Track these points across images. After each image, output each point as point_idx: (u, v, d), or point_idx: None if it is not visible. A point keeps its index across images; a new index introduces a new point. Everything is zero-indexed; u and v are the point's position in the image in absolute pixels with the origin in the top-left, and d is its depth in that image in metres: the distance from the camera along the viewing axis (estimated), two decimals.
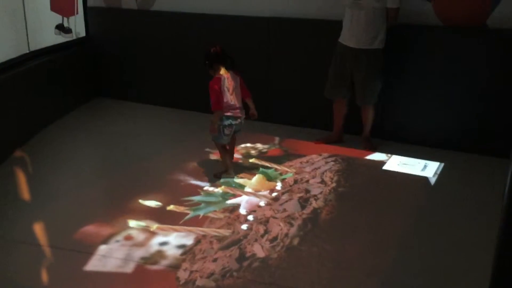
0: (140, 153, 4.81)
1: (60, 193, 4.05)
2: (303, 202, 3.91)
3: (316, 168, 4.49)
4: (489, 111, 4.63)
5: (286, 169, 4.47)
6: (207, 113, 5.78)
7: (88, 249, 3.31)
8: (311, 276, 3.10)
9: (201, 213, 3.76)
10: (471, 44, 4.62)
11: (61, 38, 5.77)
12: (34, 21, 5.26)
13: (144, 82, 6.07)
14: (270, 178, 4.29)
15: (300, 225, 3.62)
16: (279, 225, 3.61)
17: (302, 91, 5.32)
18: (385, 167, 4.56)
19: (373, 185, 4.32)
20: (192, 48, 5.66)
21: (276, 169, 4.45)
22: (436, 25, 4.72)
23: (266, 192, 4.07)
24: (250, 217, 3.71)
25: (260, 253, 3.30)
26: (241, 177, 4.29)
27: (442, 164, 4.57)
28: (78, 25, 5.96)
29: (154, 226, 3.58)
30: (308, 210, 3.81)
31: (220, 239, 3.46)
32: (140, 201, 3.91)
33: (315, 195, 4.02)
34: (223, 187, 4.13)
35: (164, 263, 3.20)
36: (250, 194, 4.04)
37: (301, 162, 4.60)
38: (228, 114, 4.16)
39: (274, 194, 4.04)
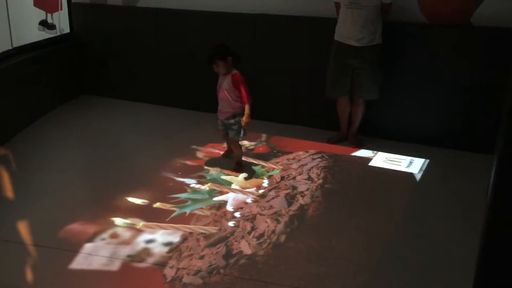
0: (126, 150, 4.78)
1: (44, 191, 4.00)
2: (290, 199, 3.92)
3: (303, 165, 4.50)
4: (473, 107, 4.68)
5: (273, 166, 4.47)
6: (193, 110, 5.81)
7: (73, 247, 3.28)
8: (298, 272, 3.11)
9: (187, 210, 3.75)
10: (455, 42, 4.65)
11: (45, 35, 5.70)
12: (17, 17, 5.19)
13: (129, 79, 6.03)
14: (257, 175, 4.29)
15: (287, 222, 3.63)
16: (266, 222, 3.61)
17: (289, 89, 5.32)
18: (371, 164, 4.58)
19: (359, 181, 4.35)
20: (178, 45, 5.64)
21: (263, 166, 4.45)
22: (421, 22, 4.76)
23: (253, 189, 4.07)
24: (237, 214, 3.71)
25: (247, 250, 3.30)
26: (228, 174, 4.28)
27: (427, 161, 4.61)
28: (62, 21, 5.89)
29: (140, 223, 3.56)
30: (295, 206, 3.82)
31: (207, 236, 3.45)
32: (126, 198, 3.89)
33: (301, 192, 4.03)
34: (209, 184, 4.12)
35: (150, 260, 3.19)
36: (237, 191, 4.04)
37: (287, 159, 4.60)
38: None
39: (261, 191, 4.04)
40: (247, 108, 4.11)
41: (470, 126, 4.73)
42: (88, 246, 3.30)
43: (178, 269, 3.11)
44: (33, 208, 3.75)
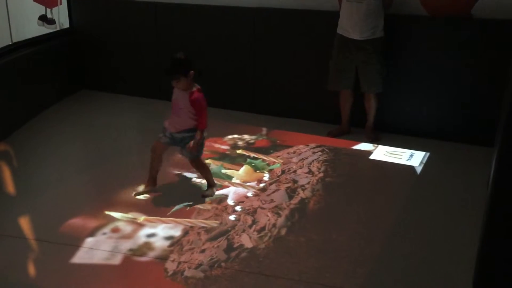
0: (126, 145, 4.78)
1: (45, 186, 4.01)
2: (291, 193, 3.92)
3: (304, 158, 4.50)
4: (474, 100, 4.67)
5: (274, 159, 4.47)
6: None
7: (75, 242, 3.29)
8: (298, 265, 3.11)
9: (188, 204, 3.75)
10: (455, 34, 4.64)
11: (44, 29, 5.68)
12: (16, 12, 5.18)
13: (129, 73, 6.02)
14: (257, 169, 4.30)
15: (287, 215, 3.63)
16: (267, 215, 3.62)
17: (289, 82, 5.32)
18: (371, 157, 4.58)
19: (360, 174, 4.35)
20: (178, 39, 5.62)
21: (263, 160, 4.46)
22: (421, 15, 4.74)
23: (253, 183, 4.07)
24: (238, 208, 3.71)
25: (248, 244, 3.31)
26: (229, 168, 4.29)
27: (428, 154, 4.61)
28: (61, 16, 5.87)
29: (141, 218, 3.57)
30: (295, 200, 3.82)
31: (208, 230, 3.46)
32: (127, 193, 3.89)
33: (302, 185, 4.03)
34: None
35: (152, 254, 3.20)
36: (237, 185, 4.04)
37: (288, 153, 4.60)
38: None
39: (261, 185, 4.04)
40: (199, 133, 3.64)
41: (470, 119, 4.73)
42: (89, 241, 3.31)
43: (179, 263, 3.12)
44: (34, 203, 3.76)
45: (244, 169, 4.28)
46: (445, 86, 4.75)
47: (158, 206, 3.72)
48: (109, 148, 4.70)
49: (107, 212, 3.62)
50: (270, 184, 4.05)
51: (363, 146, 4.79)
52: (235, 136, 4.95)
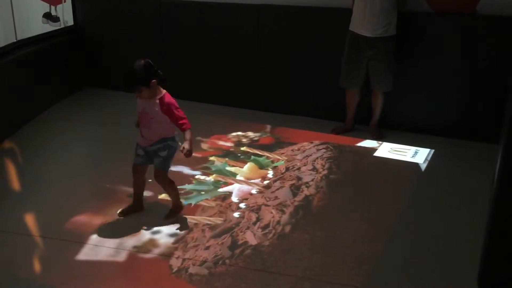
0: (131, 142, 4.76)
1: (51, 183, 4.02)
2: (295, 190, 3.92)
3: (308, 155, 4.50)
4: (478, 97, 4.66)
5: (278, 157, 4.47)
6: (197, 102, 5.81)
7: (80, 239, 3.30)
8: (303, 263, 3.12)
9: (193, 201, 3.76)
10: (460, 31, 4.62)
11: (49, 27, 5.69)
12: (21, 10, 5.19)
13: None
14: (261, 166, 4.30)
15: (292, 212, 3.63)
16: (271, 212, 3.62)
17: (294, 79, 5.31)
18: (376, 154, 4.57)
19: (364, 172, 4.34)
20: (182, 36, 5.62)
21: (267, 157, 4.46)
22: (426, 11, 4.72)
23: (257, 180, 4.07)
24: (242, 205, 3.72)
25: (252, 241, 3.31)
26: (233, 165, 4.29)
27: (433, 151, 4.60)
28: (66, 14, 5.88)
29: None
30: (299, 197, 3.83)
31: (212, 227, 3.46)
32: (131, 190, 3.89)
33: (306, 183, 4.03)
34: (214, 175, 4.13)
35: (156, 251, 3.21)
36: (241, 182, 4.05)
37: (292, 150, 4.60)
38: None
39: (265, 182, 4.04)
40: (188, 133, 3.31)
41: (475, 116, 4.71)
42: (94, 237, 3.33)
43: (183, 259, 3.13)
44: (39, 200, 3.77)
45: (248, 166, 4.28)
46: (449, 82, 4.73)
47: (162, 203, 3.73)
48: (114, 145, 4.71)
49: (113, 209, 3.62)
50: (274, 181, 4.06)
51: (367, 143, 4.78)
52: (239, 133, 4.95)
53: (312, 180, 4.07)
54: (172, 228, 3.43)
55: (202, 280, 2.97)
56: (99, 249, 3.22)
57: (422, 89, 4.85)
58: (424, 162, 4.42)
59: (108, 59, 6.06)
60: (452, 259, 3.17)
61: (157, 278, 3.00)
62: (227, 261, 3.12)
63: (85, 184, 4.08)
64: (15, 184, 4.03)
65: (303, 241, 3.34)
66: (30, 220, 3.54)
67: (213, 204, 3.74)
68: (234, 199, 3.81)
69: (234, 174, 4.16)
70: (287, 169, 4.25)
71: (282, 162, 4.37)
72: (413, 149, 4.65)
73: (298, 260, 3.14)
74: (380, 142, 4.78)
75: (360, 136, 4.89)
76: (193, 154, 4.27)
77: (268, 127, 5.12)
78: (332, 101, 5.09)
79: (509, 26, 4.43)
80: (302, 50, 5.18)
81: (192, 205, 3.72)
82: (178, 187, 3.92)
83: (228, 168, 4.24)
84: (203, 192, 3.87)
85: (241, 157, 4.44)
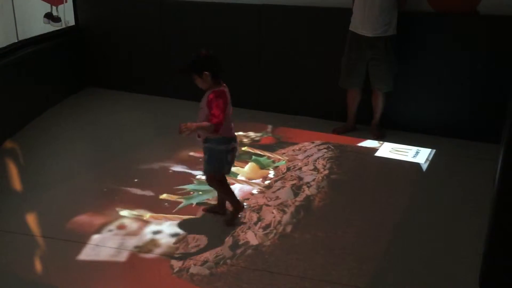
0: (132, 142, 4.79)
1: (51, 183, 4.02)
2: (296, 190, 3.92)
3: (309, 155, 4.50)
4: (479, 97, 4.65)
5: (279, 157, 4.47)
6: (198, 102, 5.78)
7: (81, 239, 3.30)
8: (304, 263, 3.12)
9: (194, 201, 3.76)
10: (461, 31, 4.62)
11: (50, 27, 5.70)
12: (22, 10, 5.19)
13: (134, 71, 6.02)
14: (263, 166, 4.30)
15: (293, 212, 3.63)
16: (272, 212, 3.62)
17: (295, 79, 5.31)
18: (377, 154, 4.57)
19: (365, 172, 4.34)
20: (183, 36, 5.62)
21: (268, 157, 4.46)
22: (427, 11, 4.72)
23: (259, 180, 4.07)
24: (243, 205, 3.71)
25: (253, 241, 3.31)
26: (234, 165, 4.28)
27: (434, 151, 4.60)
28: (67, 14, 5.89)
29: (147, 215, 3.58)
30: (301, 197, 3.83)
31: (213, 227, 3.46)
32: (133, 190, 3.90)
33: (308, 183, 4.03)
34: None
35: (157, 251, 3.21)
36: (243, 182, 4.05)
37: (293, 150, 4.60)
38: (232, 135, 3.37)
39: (267, 182, 4.04)
40: (206, 123, 3.16)
41: (476, 116, 4.71)
42: (95, 237, 3.33)
43: (185, 259, 3.13)
44: (40, 200, 3.77)
45: (249, 166, 4.28)
46: (451, 82, 4.73)
47: (163, 203, 3.73)
48: (115, 145, 4.71)
49: (114, 209, 3.63)
50: (276, 181, 4.06)
51: (368, 143, 4.78)
52: (241, 133, 4.95)
53: (313, 180, 4.07)
54: (174, 228, 3.43)
55: (203, 280, 2.97)
56: (100, 249, 3.22)
57: (423, 89, 4.85)
58: (425, 162, 4.42)
59: (109, 59, 6.07)
60: (453, 259, 3.17)
61: (158, 278, 3.00)
62: (228, 261, 3.12)
63: (86, 184, 4.08)
64: (16, 184, 4.04)
65: (304, 241, 3.34)
66: (31, 220, 3.54)
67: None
68: None
69: (235, 174, 4.16)
70: (288, 169, 4.25)
71: (283, 162, 4.37)
72: (414, 149, 4.64)
73: (299, 260, 3.14)
74: (381, 142, 4.78)
75: (361, 136, 4.89)
76: (193, 154, 4.23)
77: (269, 127, 5.12)
78: (333, 101, 5.09)
79: (509, 26, 4.43)
80: (303, 50, 5.19)
81: (194, 205, 3.72)
82: (179, 187, 3.94)
83: None
84: (200, 192, 3.87)
85: (242, 157, 4.45)
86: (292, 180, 4.06)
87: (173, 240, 3.32)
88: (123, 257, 3.16)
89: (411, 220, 3.60)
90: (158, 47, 5.81)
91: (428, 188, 4.03)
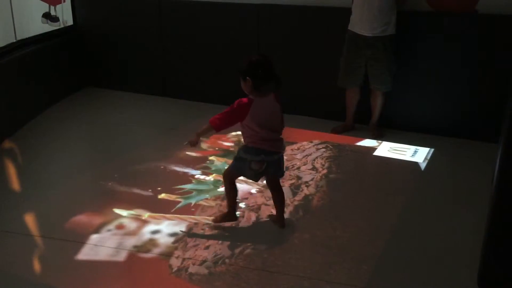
0: (131, 142, 4.79)
1: (50, 183, 4.02)
2: (295, 189, 3.93)
3: (307, 155, 4.50)
4: (477, 96, 4.66)
5: None
6: (198, 101, 5.82)
7: (79, 239, 3.30)
8: (303, 262, 3.12)
9: (192, 201, 3.76)
10: (460, 30, 4.62)
11: (48, 27, 5.70)
12: (20, 10, 5.19)
13: (133, 71, 6.03)
14: None
15: (291, 211, 3.63)
16: (271, 212, 3.62)
17: (293, 79, 5.30)
18: (376, 153, 4.58)
19: (364, 171, 4.35)
20: (182, 36, 5.63)
21: None
22: (426, 10, 4.72)
23: None
24: (242, 205, 3.72)
25: (252, 240, 3.30)
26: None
27: (432, 150, 4.60)
28: (65, 13, 5.88)
29: (145, 214, 3.58)
30: (299, 196, 3.83)
31: (212, 227, 3.46)
32: (131, 190, 3.90)
33: (306, 182, 4.03)
34: (214, 175, 4.12)
35: (156, 251, 3.21)
36: (241, 182, 4.04)
37: (292, 149, 4.60)
38: (263, 147, 3.26)
39: (265, 181, 4.04)
40: (204, 125, 3.22)
41: (474, 115, 4.71)
42: (94, 237, 3.33)
43: (183, 259, 3.13)
44: (39, 200, 3.77)
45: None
46: (449, 82, 4.73)
47: (162, 203, 3.73)
48: (114, 145, 4.71)
49: (113, 209, 3.63)
50: None
51: (367, 142, 4.78)
52: (239, 133, 4.93)
53: (312, 179, 4.08)
54: (172, 228, 3.43)
55: (202, 279, 2.97)
56: (99, 248, 3.22)
57: (422, 89, 4.86)
58: (424, 161, 4.42)
59: (108, 58, 6.07)
60: (452, 258, 3.17)
61: (157, 277, 3.00)
62: (227, 260, 3.12)
63: (85, 183, 4.08)
64: (15, 184, 4.03)
65: (303, 240, 3.34)
66: (30, 220, 3.54)
67: (213, 203, 3.74)
68: None
69: None
70: (286, 168, 4.24)
71: None
72: (412, 148, 4.65)
73: (298, 260, 3.14)
74: (380, 141, 4.79)
75: (360, 135, 4.89)
76: (193, 154, 4.24)
77: None
78: (332, 101, 5.09)
79: (509, 26, 4.43)
80: (302, 49, 5.19)
81: (192, 204, 3.72)
82: (177, 186, 3.93)
83: None
84: (199, 192, 3.87)
85: None
86: (291, 180, 4.06)
87: (171, 239, 3.32)
88: (121, 256, 3.16)
89: (409, 219, 3.60)
90: (157, 46, 5.81)
91: (427, 188, 4.03)
